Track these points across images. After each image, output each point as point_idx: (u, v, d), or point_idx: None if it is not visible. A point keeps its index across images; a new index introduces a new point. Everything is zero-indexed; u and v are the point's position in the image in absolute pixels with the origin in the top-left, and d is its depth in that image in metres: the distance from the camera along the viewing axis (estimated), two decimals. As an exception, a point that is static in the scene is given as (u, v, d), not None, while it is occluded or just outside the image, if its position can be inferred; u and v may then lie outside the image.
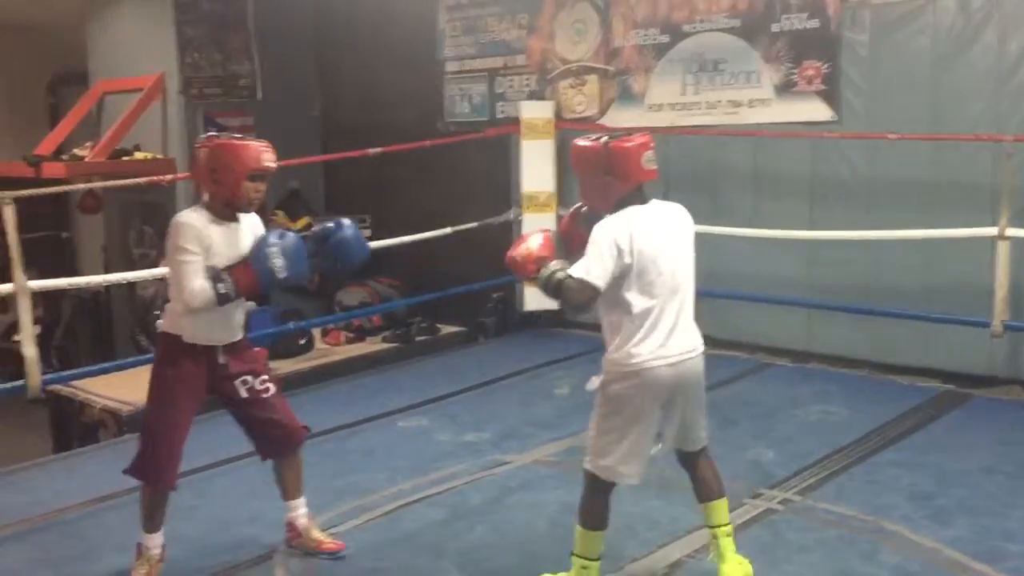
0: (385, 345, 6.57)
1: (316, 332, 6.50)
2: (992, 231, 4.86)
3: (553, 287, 2.88)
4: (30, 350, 4.77)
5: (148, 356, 4.11)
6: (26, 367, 4.75)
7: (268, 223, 7.19)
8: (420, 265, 6.95)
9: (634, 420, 2.90)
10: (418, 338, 6.70)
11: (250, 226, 3.30)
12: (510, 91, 6.97)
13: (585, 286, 2.82)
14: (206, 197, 3.23)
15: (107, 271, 8.22)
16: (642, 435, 2.92)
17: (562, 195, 6.55)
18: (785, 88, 5.66)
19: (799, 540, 3.45)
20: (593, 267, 2.82)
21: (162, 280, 3.19)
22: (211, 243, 3.14)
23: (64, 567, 3.49)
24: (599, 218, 2.92)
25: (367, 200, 7.57)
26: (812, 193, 5.63)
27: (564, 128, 6.57)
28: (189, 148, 7.63)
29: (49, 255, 9.37)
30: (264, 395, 3.34)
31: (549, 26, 6.71)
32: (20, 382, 4.83)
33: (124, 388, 5.29)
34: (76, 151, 7.41)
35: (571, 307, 2.88)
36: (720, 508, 3.08)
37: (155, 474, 3.23)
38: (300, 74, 8.26)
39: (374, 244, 6.42)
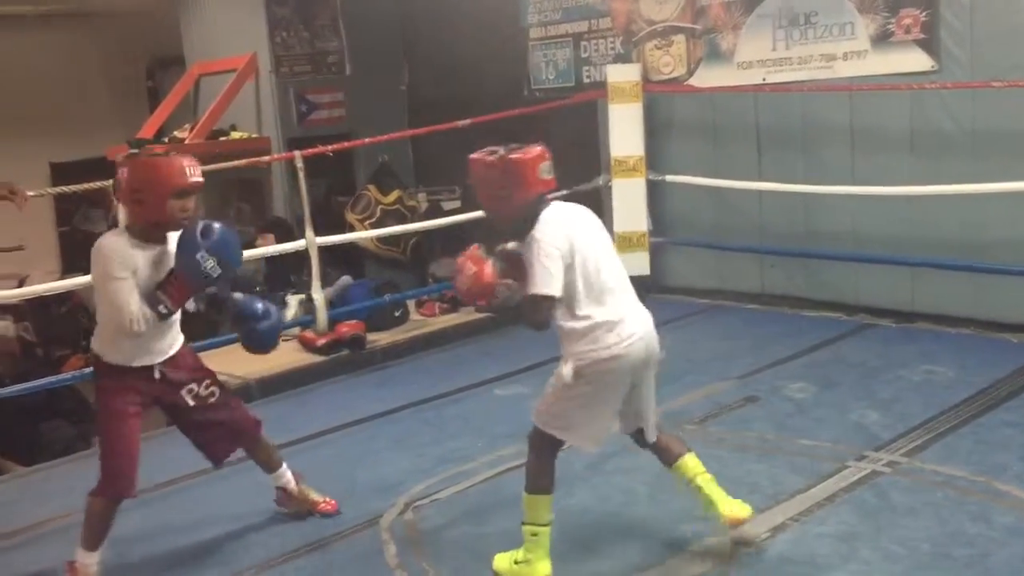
0: (479, 315, 6.61)
1: (410, 304, 6.59)
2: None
3: (513, 311, 2.98)
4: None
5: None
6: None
7: (360, 197, 7.40)
8: (510, 234, 6.95)
9: (597, 398, 2.95)
10: (511, 307, 6.71)
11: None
12: (596, 55, 6.90)
13: (539, 300, 2.88)
14: (127, 220, 3.13)
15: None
16: (603, 409, 2.98)
17: (650, 159, 6.48)
18: (881, 38, 5.46)
19: (907, 502, 3.37)
20: (543, 278, 2.86)
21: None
22: (136, 266, 3.03)
23: (179, 534, 3.64)
24: (513, 252, 3.00)
25: (455, 171, 7.59)
26: (913, 147, 5.44)
27: (652, 91, 6.48)
28: (282, 126, 7.80)
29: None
30: (211, 399, 3.33)
31: (634, -14, 6.61)
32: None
33: (227, 363, 5.44)
34: (176, 133, 7.64)
35: (531, 325, 2.94)
36: (693, 459, 3.09)
37: (111, 484, 3.19)
38: (386, 48, 8.34)
39: (464, 215, 6.50)
